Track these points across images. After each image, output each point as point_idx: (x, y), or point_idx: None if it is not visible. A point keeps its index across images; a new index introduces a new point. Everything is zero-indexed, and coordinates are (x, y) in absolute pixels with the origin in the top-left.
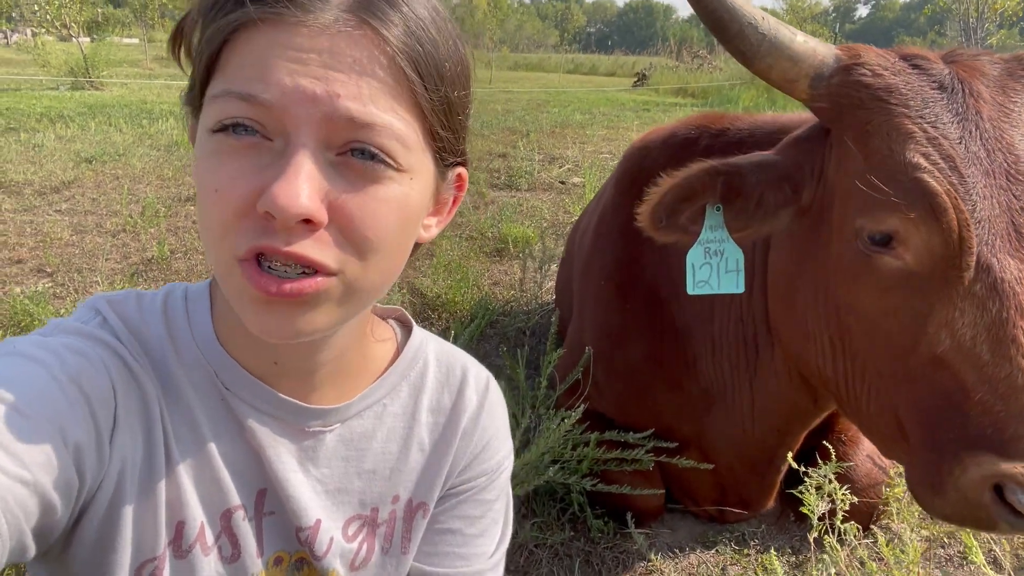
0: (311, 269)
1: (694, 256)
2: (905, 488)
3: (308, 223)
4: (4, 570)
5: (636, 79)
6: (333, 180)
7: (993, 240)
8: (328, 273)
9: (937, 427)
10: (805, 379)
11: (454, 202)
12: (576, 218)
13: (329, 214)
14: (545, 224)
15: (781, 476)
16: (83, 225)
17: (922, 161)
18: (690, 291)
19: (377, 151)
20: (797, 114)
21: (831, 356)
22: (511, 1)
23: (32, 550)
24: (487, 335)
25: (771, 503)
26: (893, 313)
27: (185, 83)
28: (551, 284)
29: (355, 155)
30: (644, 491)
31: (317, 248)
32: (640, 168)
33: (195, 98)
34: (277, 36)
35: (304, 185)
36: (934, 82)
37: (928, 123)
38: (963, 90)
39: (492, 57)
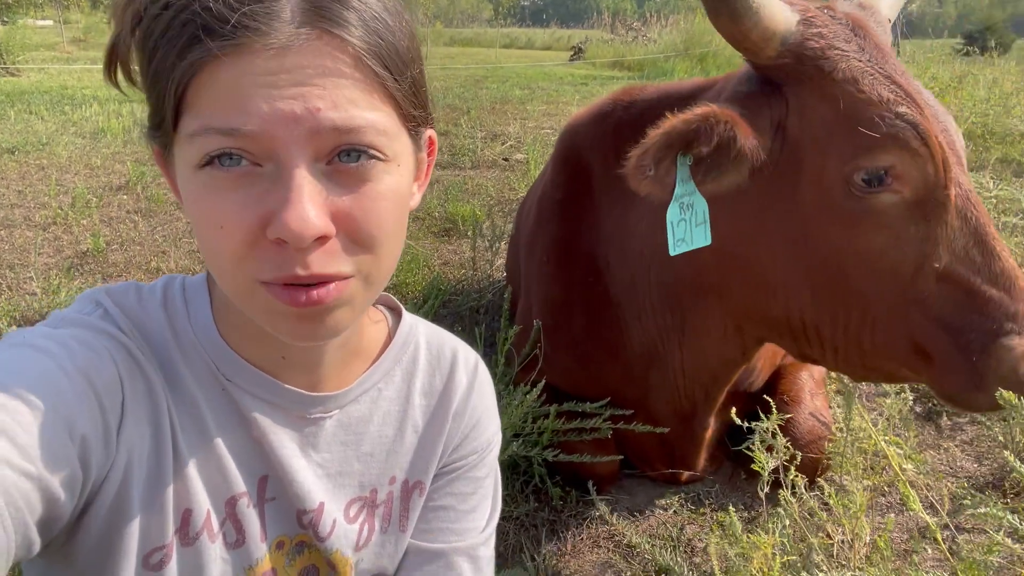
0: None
1: (672, 214)
2: (845, 443)
3: (319, 239)
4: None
5: (573, 53)
6: (330, 189)
7: (951, 160)
8: (345, 277)
9: (959, 332)
10: (740, 331)
11: (428, 165)
12: (521, 195)
13: (334, 223)
14: (491, 202)
15: (708, 433)
16: (10, 219)
17: (893, 96)
18: (672, 252)
19: (365, 148)
20: (696, 79)
21: (812, 304)
22: None
23: (38, 544)
24: (440, 315)
25: (702, 461)
26: (895, 246)
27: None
28: (501, 262)
29: (344, 158)
30: (602, 459)
31: (331, 261)
32: (572, 147)
33: (164, 134)
34: (243, 64)
35: (310, 206)
36: (850, 30)
37: (877, 65)
38: (867, 36)
39: (427, 32)
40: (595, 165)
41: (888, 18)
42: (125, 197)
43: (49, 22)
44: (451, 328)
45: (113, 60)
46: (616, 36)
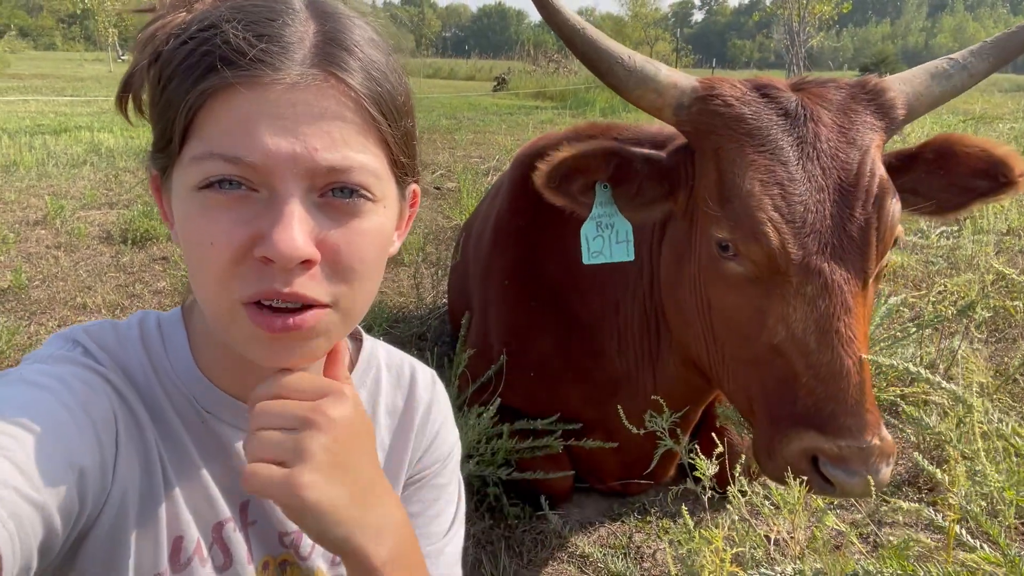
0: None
1: (587, 229)
2: None
3: (304, 263)
4: None
5: (496, 83)
6: (319, 220)
7: (824, 248)
8: (323, 306)
9: (774, 405)
10: (689, 363)
11: (410, 217)
12: (456, 223)
13: (319, 251)
14: (426, 230)
15: (683, 446)
16: None
17: (756, 187)
18: (585, 261)
19: (356, 187)
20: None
21: (703, 343)
22: (363, 6)
23: (34, 569)
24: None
25: (673, 471)
26: (740, 308)
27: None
28: (442, 288)
29: (336, 194)
30: (555, 475)
31: (312, 286)
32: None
33: (167, 157)
34: (254, 97)
35: (299, 230)
36: (780, 109)
37: (768, 150)
38: (805, 115)
39: None
40: None
41: (903, 100)
42: (44, 232)
43: None
44: None
45: (127, 91)
46: (538, 67)
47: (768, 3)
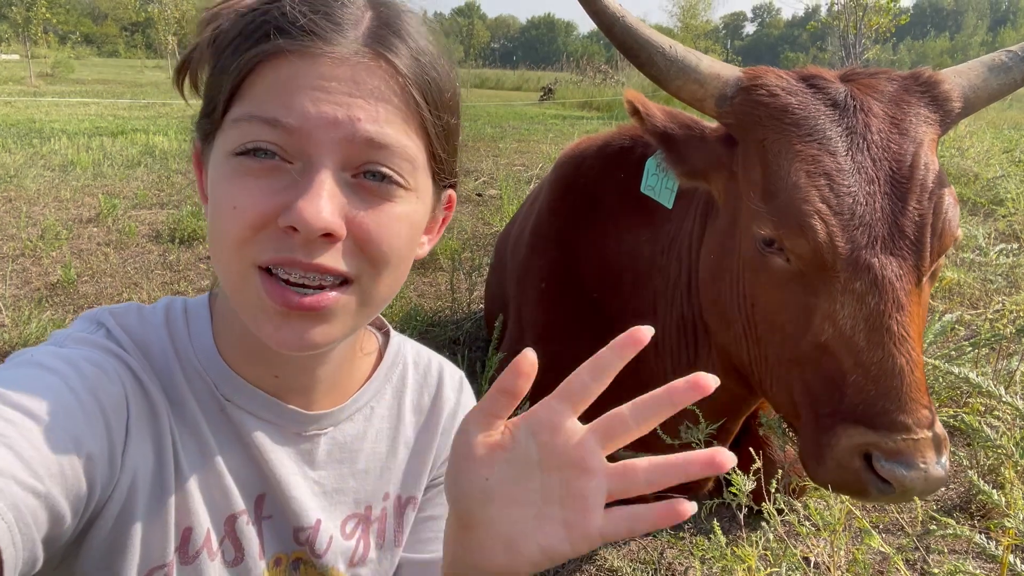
0: (328, 278)
1: (650, 163)
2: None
3: (328, 236)
4: None
5: (543, 93)
6: (350, 198)
7: (874, 242)
8: (346, 280)
9: (820, 404)
10: (737, 369)
11: (443, 221)
12: (496, 230)
13: (347, 229)
14: (466, 236)
15: None
16: None
17: (802, 179)
18: (642, 189)
19: (390, 171)
20: None
21: (744, 343)
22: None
23: (41, 562)
24: None
25: (711, 484)
26: (785, 305)
27: (74, 99)
28: (477, 294)
29: (368, 177)
30: None
31: (335, 258)
32: (575, 176)
33: (211, 123)
34: (302, 66)
35: (326, 202)
36: (828, 100)
37: (815, 140)
38: (855, 106)
39: None
40: (607, 194)
41: (958, 92)
42: (95, 229)
43: (15, 56)
44: None
45: (185, 68)
46: (585, 78)
47: (823, 15)
